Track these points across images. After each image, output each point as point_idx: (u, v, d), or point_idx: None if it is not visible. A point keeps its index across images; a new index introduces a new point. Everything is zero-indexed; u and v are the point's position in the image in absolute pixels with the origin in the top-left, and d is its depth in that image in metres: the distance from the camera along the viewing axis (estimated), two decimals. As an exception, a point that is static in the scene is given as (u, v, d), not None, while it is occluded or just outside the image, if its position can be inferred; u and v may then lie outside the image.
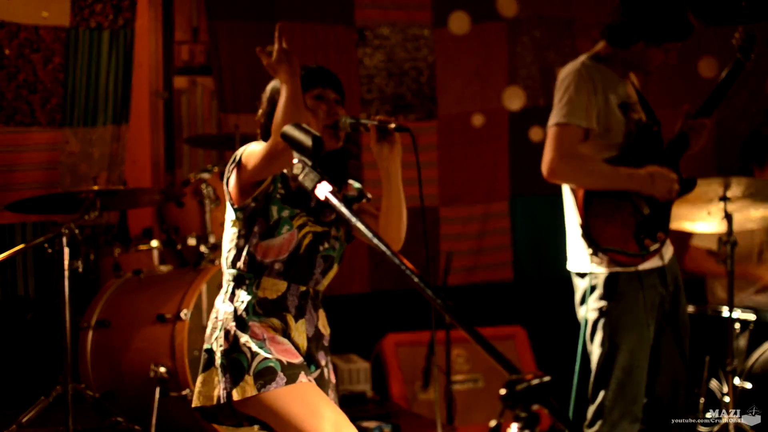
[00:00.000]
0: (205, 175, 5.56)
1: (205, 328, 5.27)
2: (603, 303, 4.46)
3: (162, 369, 4.88)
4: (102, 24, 6.57)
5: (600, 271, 4.48)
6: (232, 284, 3.37)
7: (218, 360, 3.27)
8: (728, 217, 5.06)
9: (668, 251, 4.60)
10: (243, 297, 3.32)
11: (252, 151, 3.29)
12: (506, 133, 7.54)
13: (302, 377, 3.20)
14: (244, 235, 3.35)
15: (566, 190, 4.60)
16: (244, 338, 3.24)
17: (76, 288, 5.12)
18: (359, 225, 1.90)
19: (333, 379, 3.50)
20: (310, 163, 1.97)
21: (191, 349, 5.05)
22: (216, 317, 3.38)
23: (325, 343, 3.49)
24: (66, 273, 4.97)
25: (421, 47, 7.41)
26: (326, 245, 3.44)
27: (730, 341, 5.19)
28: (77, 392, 4.96)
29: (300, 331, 3.34)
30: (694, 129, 4.58)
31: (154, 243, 5.73)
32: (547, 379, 1.83)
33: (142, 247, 5.73)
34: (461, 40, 7.45)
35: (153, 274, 5.46)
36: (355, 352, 6.86)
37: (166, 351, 4.93)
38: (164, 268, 5.57)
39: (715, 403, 5.73)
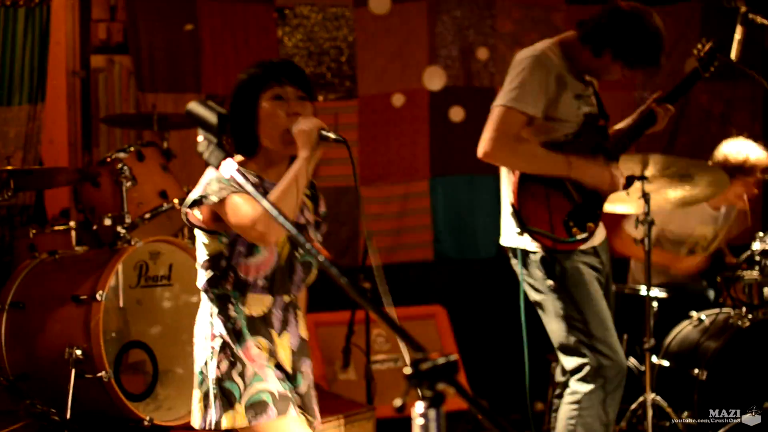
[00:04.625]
0: (122, 155, 5.47)
1: (121, 308, 5.30)
2: (549, 282, 4.54)
3: (77, 351, 4.80)
4: (17, 1, 6.46)
5: (534, 250, 4.55)
6: (217, 304, 3.32)
7: (211, 387, 3.27)
8: (645, 196, 5.11)
9: (599, 236, 4.71)
10: (233, 315, 3.30)
11: (231, 210, 3.13)
12: (427, 113, 7.54)
13: (291, 410, 3.26)
14: (227, 257, 3.28)
15: (504, 169, 4.62)
16: (237, 368, 3.26)
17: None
18: (265, 204, 1.89)
19: (311, 377, 3.51)
20: (215, 140, 1.95)
21: (106, 331, 5.00)
22: (204, 338, 3.34)
23: (306, 348, 3.50)
24: (-21, 254, 4.89)
25: (342, 26, 7.38)
26: (302, 250, 3.36)
27: (648, 319, 5.25)
28: (-9, 375, 4.91)
29: (284, 346, 3.36)
30: (659, 111, 4.72)
31: (71, 224, 5.65)
32: (453, 358, 1.83)
33: (58, 227, 5.65)
34: (381, 20, 7.44)
35: (68, 255, 5.38)
36: (275, 332, 6.83)
37: (81, 333, 4.86)
38: (80, 249, 5.50)
39: (633, 380, 5.80)
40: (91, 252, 5.42)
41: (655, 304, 5.80)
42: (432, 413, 1.81)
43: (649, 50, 4.49)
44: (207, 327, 3.34)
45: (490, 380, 7.17)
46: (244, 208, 3.11)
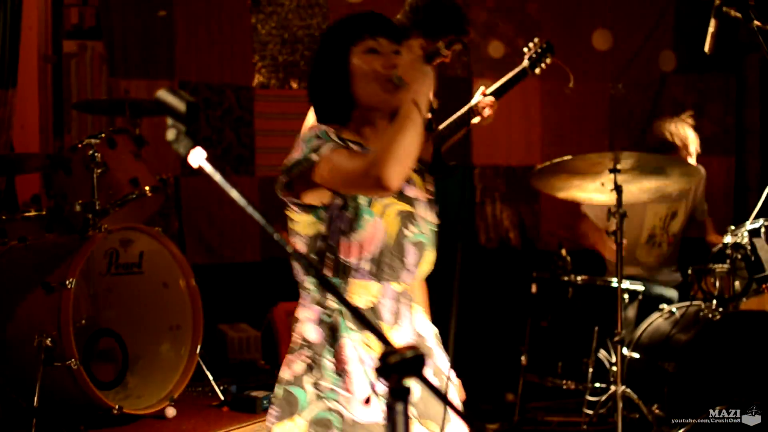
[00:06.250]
0: (94, 141, 5.43)
1: (91, 296, 5.27)
2: None
3: (46, 339, 4.78)
4: (-12, -15, 6.41)
5: None
6: (317, 295, 2.92)
7: (276, 387, 2.89)
8: (618, 188, 5.12)
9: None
10: (332, 306, 2.87)
11: (337, 165, 2.77)
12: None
13: None
14: (325, 236, 2.85)
15: None
16: (313, 374, 2.82)
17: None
18: (234, 194, 1.87)
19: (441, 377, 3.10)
20: (184, 129, 1.93)
21: (76, 319, 4.97)
22: (298, 339, 2.93)
23: (430, 343, 3.11)
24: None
25: (316, 14, 7.36)
26: (413, 228, 2.94)
27: (619, 311, 5.25)
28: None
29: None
30: (485, 105, 4.86)
31: (41, 210, 5.60)
32: (422, 352, 1.82)
33: (29, 214, 5.60)
34: (356, 7, 7.40)
35: (39, 241, 5.35)
36: (246, 320, 6.82)
37: (50, 320, 4.83)
38: (50, 236, 5.47)
39: (603, 372, 5.80)
40: (62, 239, 5.39)
41: (626, 295, 5.81)
42: (399, 406, 1.80)
43: (449, 20, 4.64)
44: (305, 327, 2.93)
45: (463, 370, 7.15)
46: (349, 160, 2.78)
